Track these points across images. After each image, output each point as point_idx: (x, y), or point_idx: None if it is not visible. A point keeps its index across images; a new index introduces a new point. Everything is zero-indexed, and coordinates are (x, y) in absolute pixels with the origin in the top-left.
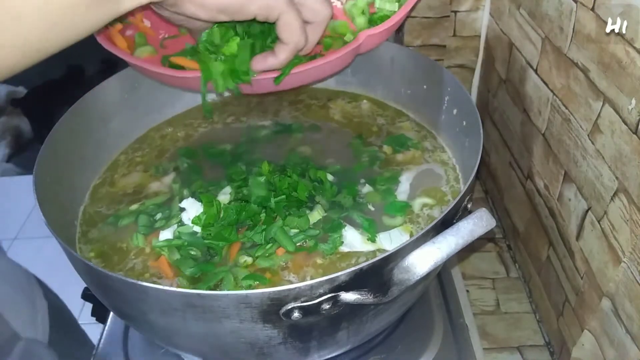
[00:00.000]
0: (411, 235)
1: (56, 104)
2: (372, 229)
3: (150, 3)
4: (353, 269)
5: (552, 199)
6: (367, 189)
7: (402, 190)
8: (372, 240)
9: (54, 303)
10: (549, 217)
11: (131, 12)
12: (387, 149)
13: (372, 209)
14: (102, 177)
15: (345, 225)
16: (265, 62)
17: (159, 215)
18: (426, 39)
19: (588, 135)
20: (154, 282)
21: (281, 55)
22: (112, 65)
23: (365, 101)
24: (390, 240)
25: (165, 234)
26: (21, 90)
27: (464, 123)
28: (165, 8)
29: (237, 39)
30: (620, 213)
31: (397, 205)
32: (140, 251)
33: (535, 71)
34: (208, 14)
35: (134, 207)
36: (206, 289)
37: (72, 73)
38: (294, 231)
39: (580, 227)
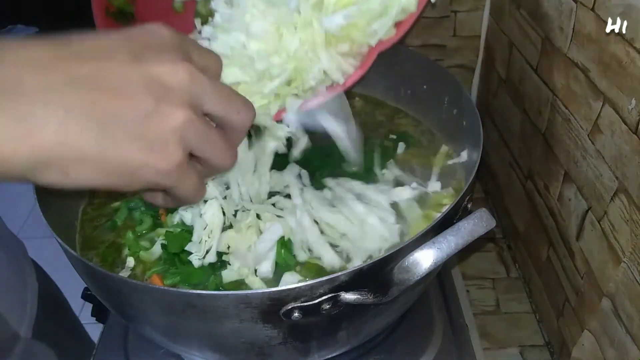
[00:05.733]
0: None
1: None
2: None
3: None
4: (353, 269)
5: (552, 199)
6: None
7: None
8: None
9: (48, 290)
10: (549, 217)
11: None
12: (387, 143)
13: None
14: None
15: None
16: (155, 199)
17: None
18: (426, 39)
19: (588, 135)
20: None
21: (169, 203)
22: None
23: (357, 99)
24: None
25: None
26: None
27: (464, 123)
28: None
29: None
30: (620, 213)
31: None
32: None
33: (535, 71)
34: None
35: (118, 204)
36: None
37: None
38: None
39: (580, 227)
